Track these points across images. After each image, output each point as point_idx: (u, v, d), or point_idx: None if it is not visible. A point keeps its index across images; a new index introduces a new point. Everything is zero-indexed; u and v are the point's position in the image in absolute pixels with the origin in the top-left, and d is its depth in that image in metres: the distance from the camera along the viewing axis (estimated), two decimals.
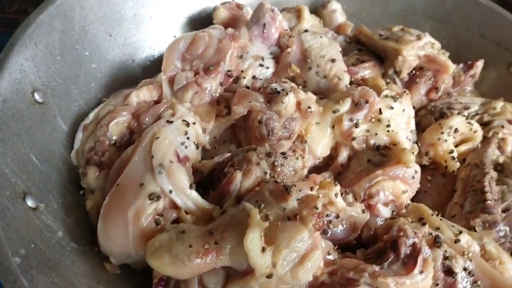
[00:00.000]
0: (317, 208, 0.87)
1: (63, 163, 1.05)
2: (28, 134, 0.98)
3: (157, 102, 1.15)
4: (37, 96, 1.03)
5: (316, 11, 1.57)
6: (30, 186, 0.91)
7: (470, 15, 1.51)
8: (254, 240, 0.80)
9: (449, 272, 0.93)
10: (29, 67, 1.03)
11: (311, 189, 0.96)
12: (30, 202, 0.88)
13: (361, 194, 1.08)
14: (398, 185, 1.08)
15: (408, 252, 0.91)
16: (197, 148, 1.08)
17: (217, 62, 1.19)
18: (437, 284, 0.91)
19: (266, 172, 0.98)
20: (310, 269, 0.84)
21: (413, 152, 1.09)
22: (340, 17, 1.55)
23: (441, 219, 1.05)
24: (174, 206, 0.93)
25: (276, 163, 1.01)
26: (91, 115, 1.11)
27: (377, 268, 0.89)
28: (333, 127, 1.17)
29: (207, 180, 1.05)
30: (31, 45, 1.04)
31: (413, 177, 1.10)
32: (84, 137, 1.08)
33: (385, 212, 1.09)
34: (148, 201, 0.89)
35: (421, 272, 0.88)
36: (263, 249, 0.81)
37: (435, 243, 0.94)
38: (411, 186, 1.11)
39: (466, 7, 1.52)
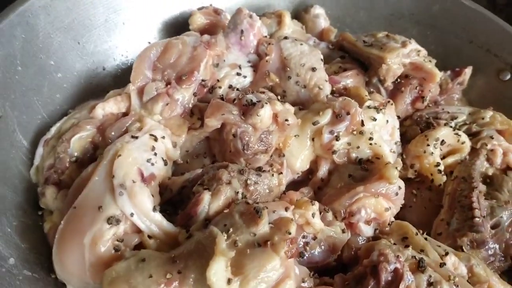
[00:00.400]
0: (289, 233, 0.81)
1: (21, 182, 0.98)
2: None
3: (125, 114, 1.08)
4: None
5: (298, 16, 1.50)
6: None
7: (458, 20, 1.45)
8: (218, 272, 0.74)
9: None
10: None
11: (286, 209, 0.90)
12: None
13: (342, 211, 1.02)
14: (381, 202, 1.02)
15: (390, 278, 0.84)
16: (165, 164, 1.01)
17: (190, 71, 1.13)
18: None
19: (238, 192, 0.92)
20: None
21: (396, 167, 1.02)
22: (323, 22, 1.49)
23: (426, 238, 0.99)
24: (136, 230, 0.87)
25: (249, 181, 0.94)
26: (53, 129, 1.04)
27: None
28: (312, 139, 1.10)
29: (177, 198, 0.98)
30: None
31: (397, 194, 1.03)
32: (45, 153, 1.01)
33: (367, 230, 1.02)
34: (106, 225, 0.83)
35: None
36: (229, 281, 0.74)
37: (418, 267, 0.88)
38: (394, 202, 1.05)
39: (454, 12, 1.45)
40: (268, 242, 0.79)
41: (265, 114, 1.02)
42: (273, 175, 0.99)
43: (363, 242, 1.02)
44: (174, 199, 0.98)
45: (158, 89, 1.09)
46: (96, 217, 0.83)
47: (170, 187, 0.99)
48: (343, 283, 0.88)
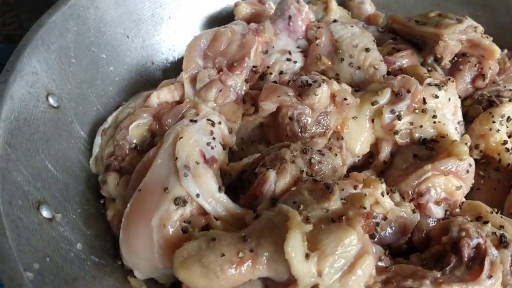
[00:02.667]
0: (364, 208, 0.76)
1: (81, 171, 0.97)
2: (43, 140, 0.90)
3: (179, 102, 1.07)
4: (51, 101, 0.96)
5: (343, 3, 1.47)
6: (45, 195, 0.83)
7: None
8: (296, 245, 0.70)
9: None
10: (42, 70, 0.96)
11: (355, 187, 0.86)
12: (45, 213, 0.80)
13: (409, 192, 0.96)
14: (451, 180, 0.96)
15: (472, 254, 0.79)
16: (224, 149, 0.98)
17: (241, 58, 1.11)
18: None
19: (303, 171, 0.88)
20: (362, 277, 0.73)
21: (466, 143, 0.97)
22: (369, 8, 1.45)
23: (501, 217, 0.93)
24: (202, 211, 0.84)
25: (313, 160, 0.90)
26: (110, 119, 1.04)
27: (438, 274, 0.77)
28: (372, 121, 1.06)
29: (236, 184, 0.95)
30: (44, 47, 0.98)
31: (467, 171, 0.97)
32: (103, 142, 1.00)
33: (437, 211, 0.97)
34: (173, 206, 0.80)
35: (489, 276, 0.76)
36: (307, 256, 0.70)
37: (501, 243, 0.82)
38: (465, 181, 0.99)
39: None
40: (343, 217, 0.74)
41: (322, 93, 0.98)
42: (336, 154, 0.95)
43: (433, 224, 0.96)
44: (233, 185, 0.95)
45: (211, 76, 1.07)
46: (163, 199, 0.80)
47: (229, 172, 0.96)
48: (421, 263, 0.83)
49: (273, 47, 1.20)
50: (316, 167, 0.91)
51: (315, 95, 0.98)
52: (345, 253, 0.72)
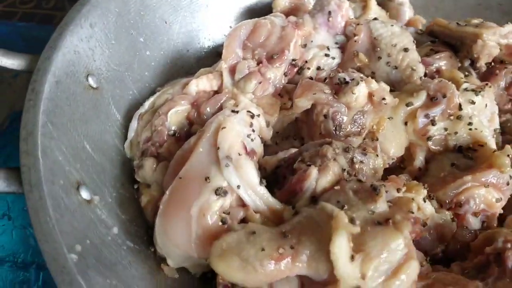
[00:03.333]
0: (412, 212, 0.75)
1: (117, 154, 0.96)
2: (82, 121, 0.89)
3: (216, 92, 1.05)
4: (91, 81, 0.94)
5: (381, 3, 1.45)
6: (84, 177, 0.82)
7: None
8: (342, 246, 0.68)
9: None
10: (84, 49, 0.95)
11: (398, 190, 0.84)
12: (84, 194, 0.78)
13: (447, 201, 0.95)
14: (492, 192, 0.94)
15: None
16: (262, 142, 0.97)
17: (281, 50, 1.09)
18: None
19: (344, 169, 0.86)
20: (405, 282, 0.71)
21: (508, 155, 0.95)
22: (408, 11, 1.43)
23: None
24: (242, 204, 0.82)
25: (355, 160, 0.88)
26: (147, 104, 1.02)
27: (480, 284, 0.76)
28: (405, 124, 1.04)
29: (271, 178, 0.94)
30: (86, 26, 0.96)
31: (508, 183, 0.95)
32: (139, 127, 0.98)
33: (475, 223, 0.95)
34: (214, 196, 0.79)
35: None
36: (352, 257, 0.69)
37: None
38: (504, 193, 0.97)
39: None
40: (389, 221, 0.73)
41: (360, 92, 0.97)
42: (377, 155, 0.93)
43: (470, 235, 0.94)
44: (268, 179, 0.94)
45: (250, 68, 1.06)
46: (203, 188, 0.79)
47: (264, 166, 0.95)
48: (462, 272, 0.81)
49: (312, 41, 1.17)
50: (358, 166, 0.89)
51: (353, 93, 0.96)
52: (391, 257, 0.70)
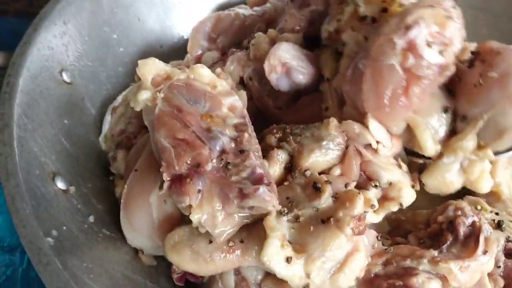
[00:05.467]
0: (357, 209, 0.74)
1: (91, 147, 0.98)
2: (57, 115, 0.91)
3: None
4: (65, 76, 0.97)
5: None
6: (60, 168, 0.84)
7: None
8: (273, 254, 0.71)
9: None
10: (58, 45, 0.97)
11: (346, 185, 0.80)
12: (60, 184, 0.81)
13: None
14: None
15: (468, 232, 0.82)
16: None
17: (244, 39, 1.13)
18: (499, 266, 0.83)
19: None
20: (352, 274, 0.75)
21: None
22: None
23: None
24: None
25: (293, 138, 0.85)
26: (119, 98, 1.05)
27: (435, 253, 0.80)
28: None
29: None
30: (60, 23, 0.98)
31: None
32: (113, 120, 1.01)
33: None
34: None
35: (484, 252, 0.80)
36: (288, 259, 0.71)
37: (498, 226, 0.87)
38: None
39: None
40: (331, 219, 0.73)
41: None
42: None
43: None
44: None
45: (214, 59, 1.10)
46: (159, 177, 0.77)
47: None
48: (418, 242, 0.86)
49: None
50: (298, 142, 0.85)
51: None
52: (334, 255, 0.72)
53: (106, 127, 1.01)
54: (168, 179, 0.70)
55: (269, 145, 0.85)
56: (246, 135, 0.76)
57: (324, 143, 0.83)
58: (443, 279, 0.78)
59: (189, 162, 0.71)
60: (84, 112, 1.00)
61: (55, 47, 0.96)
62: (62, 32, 0.99)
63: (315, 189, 0.77)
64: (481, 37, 1.30)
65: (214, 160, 0.73)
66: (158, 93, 0.77)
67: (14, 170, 0.72)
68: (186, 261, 0.75)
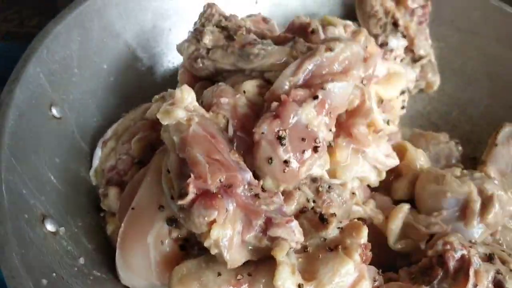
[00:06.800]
0: (362, 238, 0.78)
1: (82, 183, 0.98)
2: (46, 152, 0.90)
3: None
4: (54, 111, 0.96)
5: None
6: (49, 208, 0.83)
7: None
8: (285, 280, 0.71)
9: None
10: (47, 80, 0.96)
11: None
12: (49, 226, 0.80)
13: None
14: None
15: (457, 266, 0.83)
16: None
17: None
18: None
19: (309, 199, 0.88)
20: None
21: None
22: None
23: None
24: None
25: (320, 189, 0.90)
26: (110, 131, 1.04)
27: None
28: None
29: None
30: (49, 57, 0.98)
31: None
32: (103, 155, 1.00)
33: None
34: (168, 225, 0.80)
35: (475, 285, 0.81)
36: (301, 285, 0.72)
37: (489, 259, 0.87)
38: None
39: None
40: (339, 246, 0.77)
41: None
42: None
43: None
44: None
45: None
46: (157, 217, 0.80)
47: None
48: (409, 277, 0.86)
49: None
50: (325, 196, 0.90)
51: None
52: (343, 281, 0.74)
53: (96, 161, 1.00)
54: (194, 191, 0.70)
55: None
56: None
57: None
58: None
59: (222, 180, 0.72)
60: (74, 146, 1.00)
61: (44, 82, 0.95)
62: (51, 66, 0.98)
63: (322, 220, 0.81)
64: (470, 60, 1.33)
65: (246, 187, 0.74)
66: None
67: (3, 218, 0.71)
68: None
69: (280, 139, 0.78)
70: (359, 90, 0.88)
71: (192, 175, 0.70)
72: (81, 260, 0.82)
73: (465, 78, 1.45)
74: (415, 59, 1.40)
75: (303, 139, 0.79)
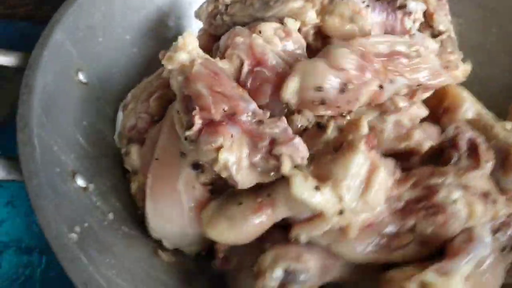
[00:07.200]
0: (363, 131, 0.77)
1: (107, 147, 0.99)
2: (74, 114, 0.92)
3: None
4: (81, 76, 0.98)
5: None
6: (79, 166, 0.85)
7: None
8: (302, 186, 0.70)
9: None
10: (73, 46, 0.98)
11: None
12: (80, 182, 0.82)
13: None
14: None
15: (469, 145, 0.82)
16: None
17: None
18: None
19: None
20: (380, 190, 0.74)
21: None
22: None
23: None
24: None
25: None
26: (129, 94, 1.05)
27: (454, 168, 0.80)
28: None
29: None
30: (74, 25, 1.00)
31: None
32: (124, 117, 1.01)
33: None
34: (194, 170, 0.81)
35: (487, 161, 0.80)
36: (317, 188, 0.71)
37: None
38: None
39: None
40: (343, 144, 0.76)
41: None
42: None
43: None
44: None
45: None
46: (182, 163, 0.81)
47: None
48: (422, 164, 0.84)
49: None
50: None
51: None
52: (356, 173, 0.73)
53: (119, 125, 1.02)
54: (200, 122, 0.71)
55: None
56: None
57: None
58: (465, 188, 0.77)
59: (225, 109, 0.73)
60: (100, 112, 1.02)
61: (70, 48, 0.97)
62: (77, 33, 1.00)
63: (319, 127, 0.81)
64: (490, 37, 1.31)
65: (250, 113, 0.75)
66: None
67: (36, 170, 0.73)
68: (224, 231, 0.75)
69: None
70: None
71: (197, 108, 0.72)
72: (111, 216, 0.84)
73: (485, 54, 1.44)
74: (435, 34, 1.39)
75: None
